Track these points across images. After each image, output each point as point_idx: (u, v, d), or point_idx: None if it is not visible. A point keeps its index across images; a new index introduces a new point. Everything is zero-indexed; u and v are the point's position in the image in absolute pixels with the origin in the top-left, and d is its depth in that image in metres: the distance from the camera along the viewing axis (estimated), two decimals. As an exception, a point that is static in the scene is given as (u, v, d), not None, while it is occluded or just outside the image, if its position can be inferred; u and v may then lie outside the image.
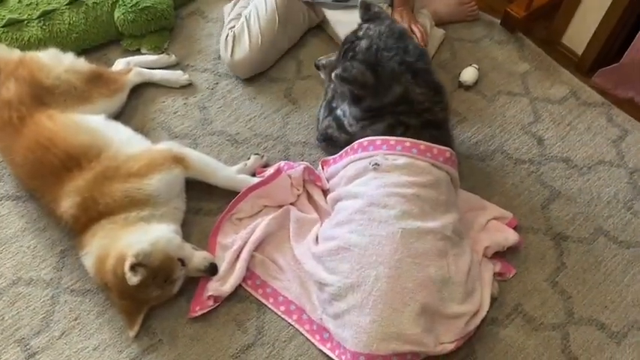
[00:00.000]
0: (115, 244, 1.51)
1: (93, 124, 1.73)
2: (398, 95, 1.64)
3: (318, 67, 1.87)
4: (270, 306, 1.63)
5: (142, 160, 1.66)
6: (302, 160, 1.91)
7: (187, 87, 2.08)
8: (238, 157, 1.91)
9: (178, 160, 1.71)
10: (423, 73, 1.67)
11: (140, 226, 1.57)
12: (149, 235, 1.53)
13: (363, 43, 1.66)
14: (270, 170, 1.80)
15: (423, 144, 1.61)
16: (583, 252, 1.78)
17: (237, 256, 1.66)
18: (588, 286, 1.72)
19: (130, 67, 2.03)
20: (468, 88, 2.14)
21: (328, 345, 1.54)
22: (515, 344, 1.60)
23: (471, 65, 2.15)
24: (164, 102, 2.04)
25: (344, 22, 2.11)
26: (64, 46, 2.04)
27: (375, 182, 1.57)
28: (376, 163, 1.58)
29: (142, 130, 1.94)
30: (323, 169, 1.83)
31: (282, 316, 1.61)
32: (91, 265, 1.55)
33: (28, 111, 1.72)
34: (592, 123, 2.08)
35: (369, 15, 1.72)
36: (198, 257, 1.59)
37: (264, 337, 1.58)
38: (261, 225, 1.71)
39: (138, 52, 2.14)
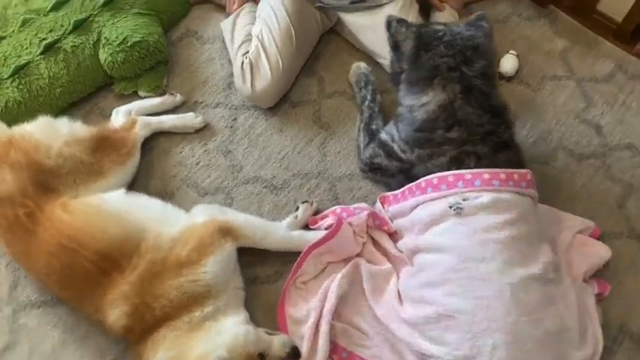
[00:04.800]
0: (187, 356, 1.30)
1: (118, 206, 1.46)
2: (439, 104, 1.48)
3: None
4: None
5: (189, 243, 1.42)
6: (352, 196, 1.71)
7: (203, 129, 1.81)
8: (282, 206, 1.69)
9: (226, 232, 1.48)
10: (478, 92, 1.48)
11: (207, 326, 1.35)
12: (222, 337, 1.32)
13: (438, 27, 1.57)
14: (328, 220, 1.59)
15: (502, 172, 1.42)
16: (675, 249, 1.67)
17: (316, 330, 1.47)
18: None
19: (134, 118, 1.73)
20: (510, 79, 1.94)
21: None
22: (629, 370, 1.49)
23: (508, 53, 1.94)
24: (181, 152, 1.77)
25: (365, 25, 1.86)
26: (49, 105, 1.77)
27: (461, 231, 1.38)
28: (459, 207, 1.39)
29: (164, 192, 1.69)
30: (383, 206, 1.63)
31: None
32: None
33: (36, 204, 1.44)
34: (647, 98, 1.92)
35: (475, 24, 1.60)
36: (276, 344, 1.39)
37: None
38: (333, 288, 1.51)
39: (134, 95, 1.84)
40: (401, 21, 1.58)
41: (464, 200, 1.39)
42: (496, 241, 1.34)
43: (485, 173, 1.41)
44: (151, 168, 1.73)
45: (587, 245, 1.60)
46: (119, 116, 1.76)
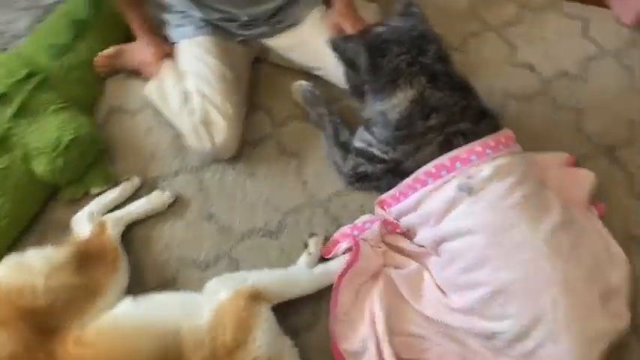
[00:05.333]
0: None
1: (136, 317, 1.34)
2: (411, 100, 1.49)
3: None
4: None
5: (229, 326, 1.32)
6: (348, 211, 1.69)
7: (174, 203, 1.69)
8: (289, 249, 1.63)
9: (256, 297, 1.40)
10: (442, 76, 1.51)
11: None
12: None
13: (380, 29, 1.56)
14: (343, 245, 1.56)
15: (490, 139, 1.47)
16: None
17: (380, 355, 1.44)
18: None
19: (100, 220, 1.58)
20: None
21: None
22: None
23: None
24: (162, 235, 1.65)
25: (292, 44, 1.83)
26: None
27: (479, 208, 1.40)
28: (468, 186, 1.42)
29: (165, 282, 1.58)
30: (384, 209, 1.63)
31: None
32: None
33: (47, 353, 1.28)
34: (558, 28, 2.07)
35: (404, 11, 1.60)
36: (353, 386, 1.36)
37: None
38: (377, 308, 1.48)
39: (86, 196, 1.68)
40: (344, 38, 1.58)
41: (469, 178, 1.42)
42: (514, 206, 1.39)
43: (477, 146, 1.45)
44: (139, 263, 1.59)
45: (573, 175, 1.70)
46: (82, 224, 1.59)
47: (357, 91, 1.59)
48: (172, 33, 1.81)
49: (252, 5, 1.76)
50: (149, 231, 1.65)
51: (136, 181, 1.70)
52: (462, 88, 1.53)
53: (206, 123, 1.66)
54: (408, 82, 1.49)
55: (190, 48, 1.76)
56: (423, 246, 1.57)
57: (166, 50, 1.83)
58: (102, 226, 1.56)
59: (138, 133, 1.81)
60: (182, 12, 1.78)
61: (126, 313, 1.36)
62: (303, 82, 1.86)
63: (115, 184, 1.69)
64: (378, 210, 1.65)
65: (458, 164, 1.45)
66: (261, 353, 1.30)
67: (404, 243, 1.59)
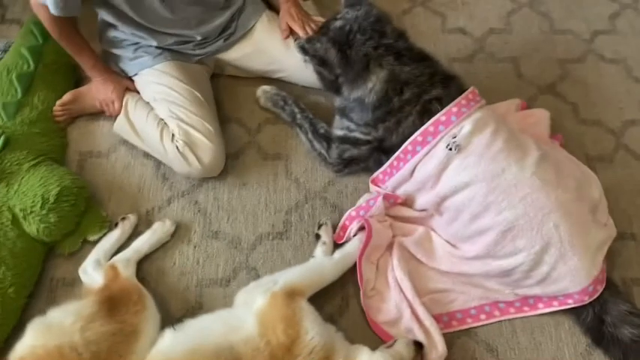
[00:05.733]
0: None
1: (186, 347, 1.34)
2: (385, 80, 1.60)
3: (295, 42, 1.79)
4: (472, 325, 1.58)
5: (278, 327, 1.36)
6: (345, 197, 1.78)
7: (177, 231, 1.69)
8: (300, 245, 1.69)
9: (292, 294, 1.44)
10: (405, 51, 1.63)
11: None
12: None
13: (338, 23, 1.65)
14: (353, 227, 1.64)
15: (461, 99, 1.60)
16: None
17: (417, 319, 1.54)
18: None
19: (110, 264, 1.56)
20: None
21: (541, 305, 1.58)
22: None
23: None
24: (174, 264, 1.65)
25: (248, 53, 1.88)
26: (11, 312, 1.51)
27: (470, 161, 1.53)
28: (455, 144, 1.55)
29: (193, 307, 1.59)
30: (378, 186, 1.72)
31: (487, 322, 1.59)
32: None
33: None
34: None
35: (351, 2, 1.68)
36: (403, 350, 1.44)
37: (511, 347, 1.56)
38: (400, 275, 1.59)
39: (85, 245, 1.65)
40: (309, 40, 1.66)
41: (454, 138, 1.55)
42: (499, 152, 1.53)
43: (453, 107, 1.58)
44: (160, 296, 1.58)
45: (530, 116, 1.88)
46: (91, 273, 1.56)
47: (333, 85, 1.67)
48: (129, 67, 1.80)
49: (203, 24, 1.79)
50: (160, 263, 1.64)
51: (132, 218, 1.68)
52: (424, 58, 1.66)
53: (190, 145, 1.67)
54: (378, 64, 1.60)
55: (152, 76, 1.76)
56: (423, 210, 1.69)
57: (126, 84, 1.82)
58: (114, 270, 1.54)
59: (117, 172, 1.79)
60: (135, 44, 1.77)
61: (174, 345, 1.36)
62: (267, 87, 1.91)
63: (111, 226, 1.66)
64: (372, 188, 1.74)
65: (441, 127, 1.57)
66: (316, 343, 1.36)
67: (406, 211, 1.70)
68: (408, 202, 1.71)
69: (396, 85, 1.60)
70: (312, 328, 1.38)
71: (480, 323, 1.59)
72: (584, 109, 1.97)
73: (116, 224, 1.66)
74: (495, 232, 1.51)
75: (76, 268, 1.58)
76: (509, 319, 1.59)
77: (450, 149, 1.54)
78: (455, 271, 1.62)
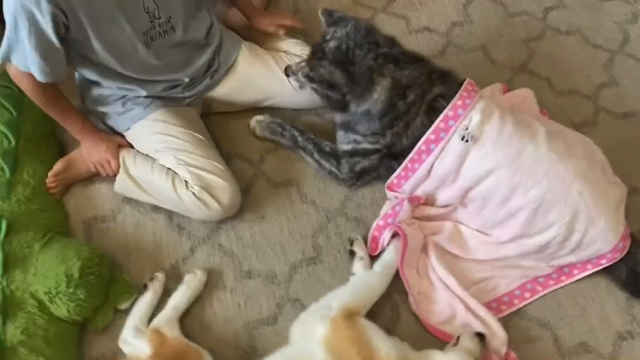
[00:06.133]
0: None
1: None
2: (389, 88, 1.63)
3: (287, 74, 1.75)
4: (519, 305, 1.62)
5: (349, 351, 1.34)
6: (364, 209, 1.78)
7: (209, 279, 1.63)
8: (336, 266, 1.68)
9: (349, 316, 1.43)
10: (400, 56, 1.67)
11: None
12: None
13: (332, 44, 1.64)
14: (385, 237, 1.64)
15: (463, 92, 1.63)
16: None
17: (471, 311, 1.57)
18: None
19: (151, 329, 1.48)
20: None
21: (576, 271, 1.65)
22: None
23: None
24: (216, 312, 1.59)
25: (236, 87, 1.86)
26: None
27: (487, 150, 1.57)
28: (470, 135, 1.59)
29: (247, 351, 1.54)
30: (396, 191, 1.74)
31: (532, 299, 1.63)
32: None
33: None
34: None
35: (332, 20, 1.67)
36: (469, 344, 1.45)
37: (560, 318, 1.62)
38: (442, 274, 1.61)
39: (117, 316, 1.55)
40: (312, 67, 1.64)
41: (466, 130, 1.60)
42: (512, 134, 1.58)
43: (457, 101, 1.62)
44: (210, 350, 1.51)
45: (515, 96, 1.97)
46: (133, 342, 1.47)
47: (340, 104, 1.66)
48: (119, 122, 1.73)
49: (189, 65, 1.74)
50: (201, 315, 1.58)
51: (160, 276, 1.60)
52: (418, 60, 1.70)
53: (206, 188, 1.62)
54: (380, 74, 1.61)
55: (147, 127, 1.70)
56: (446, 205, 1.72)
57: (118, 141, 1.74)
58: (159, 334, 1.46)
59: (129, 233, 1.70)
60: (122, 97, 1.70)
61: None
62: (260, 117, 1.89)
63: (140, 289, 1.58)
64: (390, 194, 1.76)
65: (451, 122, 1.61)
66: (392, 357, 1.35)
67: (429, 210, 1.73)
68: (429, 201, 1.74)
69: (400, 90, 1.63)
70: (383, 344, 1.37)
71: (527, 302, 1.63)
72: (557, 82, 2.09)
73: (145, 286, 1.58)
74: (527, 212, 1.56)
75: (113, 342, 1.49)
76: (551, 292, 1.64)
77: (467, 141, 1.59)
78: (492, 257, 1.66)
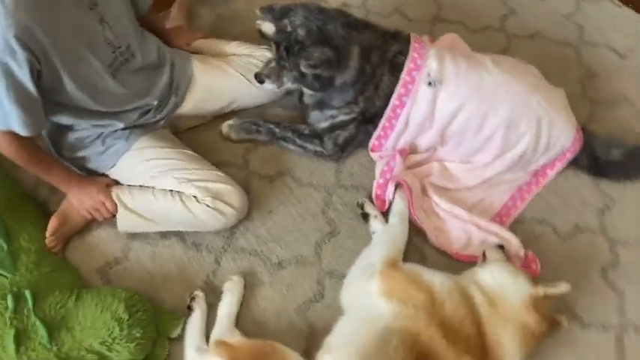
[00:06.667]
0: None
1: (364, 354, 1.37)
2: (359, 54, 1.74)
3: (262, 81, 1.78)
4: (516, 214, 1.84)
5: (408, 296, 1.44)
6: (359, 176, 1.90)
7: (245, 280, 1.66)
8: (354, 231, 1.78)
9: (394, 264, 1.55)
10: (357, 23, 1.79)
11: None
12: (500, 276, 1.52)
13: (301, 31, 1.70)
14: (389, 191, 1.77)
15: (414, 44, 1.79)
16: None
17: (483, 229, 1.76)
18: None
19: (214, 343, 1.47)
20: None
21: (549, 171, 1.88)
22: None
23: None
24: (265, 310, 1.63)
25: (202, 97, 1.88)
26: None
27: (452, 88, 1.74)
28: (434, 80, 1.76)
29: (308, 334, 1.59)
30: (378, 150, 1.87)
31: (524, 204, 1.86)
32: None
33: None
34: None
35: (277, 13, 1.73)
36: (496, 255, 1.63)
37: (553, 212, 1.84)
38: (449, 207, 1.79)
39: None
40: (307, 57, 1.67)
41: (429, 76, 1.77)
42: (468, 69, 1.77)
43: (414, 53, 1.78)
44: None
45: (445, 41, 2.13)
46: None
47: (329, 82, 1.74)
48: (103, 161, 1.69)
49: (153, 87, 1.74)
50: (251, 316, 1.61)
51: (199, 293, 1.60)
52: (369, 24, 1.83)
53: (216, 196, 1.64)
54: (351, 42, 1.72)
55: (135, 158, 1.68)
56: (428, 150, 1.89)
57: (104, 181, 1.70)
58: (225, 344, 1.46)
59: (148, 266, 1.68)
60: (100, 136, 1.66)
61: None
62: (230, 121, 1.93)
63: (184, 313, 1.57)
64: (374, 156, 1.89)
65: (414, 73, 1.77)
66: (447, 285, 1.48)
67: (415, 157, 1.89)
68: (412, 150, 1.90)
69: (366, 54, 1.75)
70: (434, 277, 1.50)
71: (520, 208, 1.86)
72: (469, 23, 2.34)
73: (189, 307, 1.58)
74: (501, 131, 1.77)
75: None
76: (536, 194, 1.88)
77: (434, 85, 1.76)
78: (480, 180, 1.85)
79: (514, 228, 1.80)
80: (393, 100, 1.79)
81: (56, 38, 1.37)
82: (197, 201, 1.64)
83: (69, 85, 1.47)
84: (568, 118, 1.83)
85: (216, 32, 2.18)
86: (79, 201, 1.67)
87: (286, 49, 1.70)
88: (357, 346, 1.39)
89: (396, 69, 1.78)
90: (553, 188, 1.90)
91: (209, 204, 1.63)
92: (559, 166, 1.89)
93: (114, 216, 1.69)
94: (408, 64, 1.77)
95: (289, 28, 1.71)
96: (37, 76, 1.38)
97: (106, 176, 1.73)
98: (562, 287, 1.46)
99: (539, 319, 1.46)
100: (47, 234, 1.62)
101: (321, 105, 1.85)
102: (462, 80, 1.77)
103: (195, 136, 1.92)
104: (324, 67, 1.68)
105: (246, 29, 2.13)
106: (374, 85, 1.79)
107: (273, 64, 1.76)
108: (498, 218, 1.83)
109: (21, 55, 1.31)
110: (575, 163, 1.91)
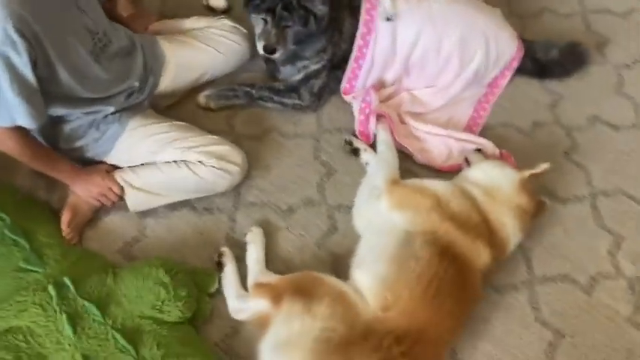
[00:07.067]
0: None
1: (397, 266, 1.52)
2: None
3: (273, 50, 1.81)
4: (482, 123, 2.06)
5: (417, 199, 1.62)
6: (338, 120, 2.03)
7: (265, 229, 1.75)
8: (349, 167, 1.92)
9: (395, 182, 1.71)
10: None
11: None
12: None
13: None
14: (371, 123, 1.92)
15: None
16: None
17: (460, 139, 1.96)
18: None
19: (254, 285, 1.58)
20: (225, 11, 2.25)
21: (501, 81, 2.10)
22: None
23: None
24: (289, 251, 1.75)
25: (176, 72, 1.92)
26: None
27: (407, 18, 1.90)
28: (390, 14, 1.91)
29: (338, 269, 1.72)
30: (350, 92, 2.01)
31: (487, 113, 2.08)
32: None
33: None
34: None
35: None
36: (478, 158, 1.84)
37: (516, 118, 2.06)
38: (427, 128, 1.98)
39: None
40: (303, 11, 1.76)
41: (385, 11, 1.91)
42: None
43: (367, -6, 1.94)
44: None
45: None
46: (247, 306, 1.56)
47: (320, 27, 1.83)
48: (101, 147, 1.72)
49: (131, 69, 1.77)
50: (280, 260, 1.73)
51: (226, 249, 1.69)
52: None
53: (221, 158, 1.73)
54: None
55: (132, 138, 1.72)
56: (394, 82, 2.05)
57: (105, 168, 1.74)
58: (263, 285, 1.56)
59: (167, 238, 1.74)
60: (93, 123, 1.69)
61: (377, 271, 1.53)
62: (206, 92, 2.00)
63: (216, 269, 1.66)
64: (347, 98, 2.03)
65: (372, 12, 1.92)
66: (448, 189, 1.65)
67: (385, 91, 2.05)
68: (380, 85, 2.05)
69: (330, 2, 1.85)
70: (434, 184, 1.68)
71: (484, 117, 2.08)
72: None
73: (218, 264, 1.67)
74: (457, 51, 1.97)
75: (226, 322, 1.59)
76: (494, 105, 2.09)
77: (392, 20, 1.92)
78: (446, 100, 2.05)
79: (483, 134, 2.01)
80: (358, 41, 1.93)
81: (47, 27, 1.40)
82: (203, 165, 1.71)
83: (62, 73, 1.50)
84: (509, 31, 2.06)
85: (165, 16, 2.22)
86: (85, 190, 1.69)
87: (284, 7, 1.75)
88: (383, 255, 1.54)
89: (355, 11, 1.92)
90: (507, 96, 2.12)
91: (215, 165, 1.71)
92: (508, 75, 2.12)
93: (121, 199, 1.73)
94: (365, 4, 1.92)
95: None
96: (34, 66, 1.41)
97: (104, 163, 1.76)
98: (542, 166, 1.69)
99: (529, 198, 1.68)
100: (63, 227, 1.64)
101: (292, 58, 1.96)
102: (415, 10, 1.94)
103: (175, 113, 1.97)
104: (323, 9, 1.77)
105: (193, 8, 2.21)
106: (338, 30, 1.93)
107: (273, 31, 1.79)
108: (469, 129, 2.03)
109: (21, 45, 1.33)
110: (521, 70, 2.13)
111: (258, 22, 1.83)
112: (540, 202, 1.74)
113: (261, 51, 1.84)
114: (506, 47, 2.04)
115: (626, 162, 1.99)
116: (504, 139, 2.01)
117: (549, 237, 1.81)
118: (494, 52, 2.01)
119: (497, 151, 1.93)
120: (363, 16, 1.91)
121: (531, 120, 2.08)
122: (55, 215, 1.70)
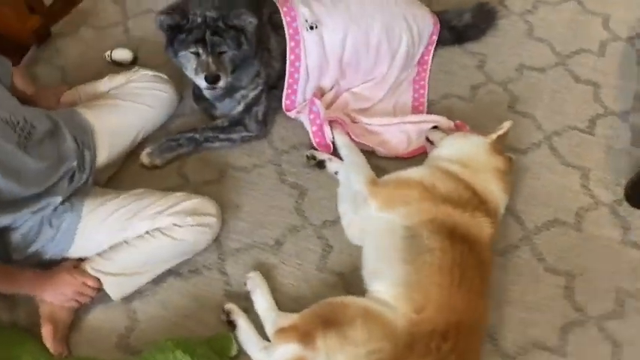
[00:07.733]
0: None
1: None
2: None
3: (217, 79, 1.72)
4: (425, 103, 2.08)
5: (401, 195, 1.60)
6: (293, 140, 1.97)
7: (260, 270, 1.66)
8: (319, 180, 1.87)
9: (374, 181, 1.68)
10: None
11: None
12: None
13: (212, 14, 1.67)
14: (327, 133, 1.87)
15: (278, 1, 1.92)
16: None
17: (414, 122, 1.97)
18: None
19: (275, 333, 1.48)
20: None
21: (426, 57, 2.14)
22: None
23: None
24: (292, 285, 1.67)
25: (109, 139, 1.76)
26: None
27: (329, 23, 1.89)
28: (312, 23, 1.88)
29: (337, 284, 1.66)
30: (292, 108, 1.97)
31: (426, 91, 2.10)
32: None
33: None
34: None
35: (173, 10, 1.70)
36: (439, 135, 1.85)
37: (460, 86, 2.10)
38: (381, 122, 1.97)
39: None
40: (234, 31, 1.69)
41: (307, 21, 1.88)
42: (330, 2, 1.93)
43: (284, 8, 1.88)
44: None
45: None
46: (273, 355, 1.46)
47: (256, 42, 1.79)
48: (60, 245, 1.55)
49: (63, 150, 1.59)
50: (287, 296, 1.64)
51: (230, 305, 1.58)
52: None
53: (194, 214, 1.60)
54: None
55: (90, 222, 1.56)
56: (332, 87, 2.02)
57: (71, 264, 1.56)
58: (286, 331, 1.45)
59: (163, 315, 1.60)
60: (42, 221, 1.51)
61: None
62: (147, 149, 1.87)
63: (230, 331, 1.55)
64: (291, 115, 1.98)
65: (294, 24, 1.89)
66: (428, 173, 1.64)
67: (326, 97, 2.01)
68: (320, 93, 2.01)
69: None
70: (412, 173, 1.67)
71: (425, 94, 2.10)
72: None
73: (229, 323, 1.56)
74: (385, 41, 1.98)
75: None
76: (429, 81, 2.12)
77: (316, 27, 1.88)
78: (386, 89, 2.05)
79: (431, 111, 2.04)
80: (289, 56, 1.88)
81: None
82: (179, 226, 1.58)
83: None
84: (422, 8, 2.10)
85: (72, 85, 2.03)
86: (57, 294, 1.51)
87: (214, 32, 1.67)
88: (394, 258, 1.51)
89: (278, 27, 1.87)
90: (437, 69, 2.16)
91: (191, 223, 1.59)
92: (432, 49, 2.16)
93: (99, 290, 1.56)
94: (285, 18, 1.87)
95: (199, 20, 1.67)
96: None
97: (67, 259, 1.58)
98: (506, 125, 1.73)
99: (503, 159, 1.72)
100: (47, 343, 1.46)
101: (231, 90, 1.87)
102: (334, 13, 1.92)
103: (119, 183, 1.82)
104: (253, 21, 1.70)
105: (97, 69, 2.05)
106: (266, 49, 1.86)
107: (210, 59, 1.70)
108: (416, 110, 2.05)
109: None
110: (441, 42, 2.18)
111: (188, 59, 1.73)
112: (509, 158, 1.79)
113: (203, 84, 1.74)
114: (425, 24, 2.08)
115: (562, 99, 2.10)
116: (450, 109, 2.05)
117: (525, 189, 1.87)
118: (416, 31, 2.04)
119: (451, 123, 1.96)
120: (287, 30, 1.87)
121: (467, 85, 2.13)
122: (30, 333, 1.50)
